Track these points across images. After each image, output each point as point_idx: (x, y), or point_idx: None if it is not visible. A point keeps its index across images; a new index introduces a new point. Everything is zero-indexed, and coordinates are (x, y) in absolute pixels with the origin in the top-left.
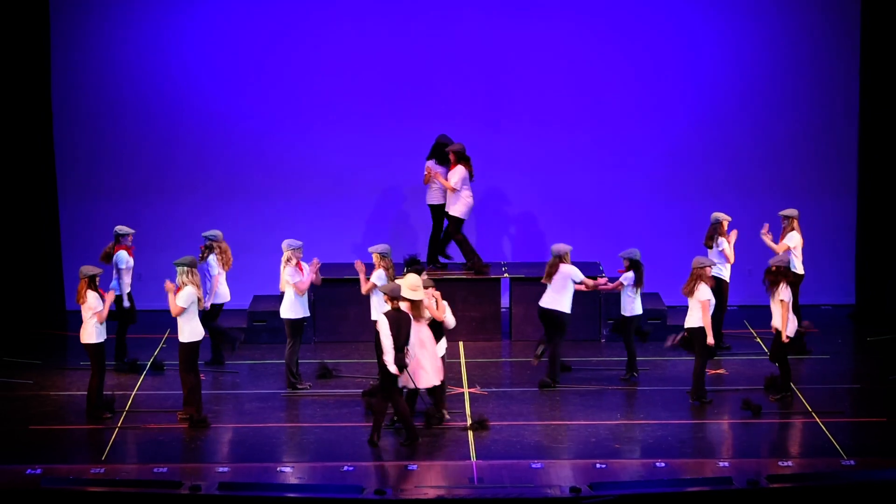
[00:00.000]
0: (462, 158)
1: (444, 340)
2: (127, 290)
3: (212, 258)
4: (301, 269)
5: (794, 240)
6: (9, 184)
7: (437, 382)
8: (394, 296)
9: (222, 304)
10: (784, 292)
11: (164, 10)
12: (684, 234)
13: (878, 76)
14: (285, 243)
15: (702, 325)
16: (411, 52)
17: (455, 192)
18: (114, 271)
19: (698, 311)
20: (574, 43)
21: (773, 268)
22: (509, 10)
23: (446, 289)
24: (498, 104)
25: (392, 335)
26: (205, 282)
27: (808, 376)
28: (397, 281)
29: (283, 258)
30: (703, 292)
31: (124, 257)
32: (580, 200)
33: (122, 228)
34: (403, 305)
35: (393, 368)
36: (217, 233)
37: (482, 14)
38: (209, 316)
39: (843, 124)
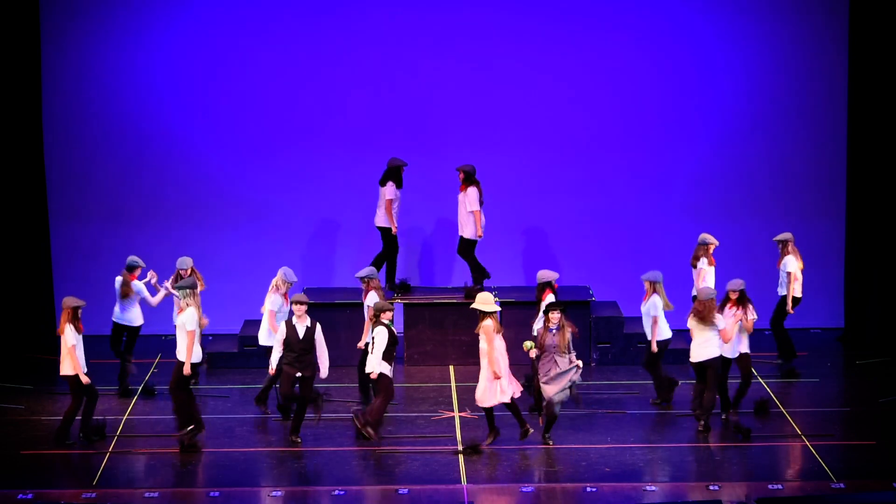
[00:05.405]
0: (471, 179)
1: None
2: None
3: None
4: (286, 300)
5: (792, 266)
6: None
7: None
8: (382, 309)
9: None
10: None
11: (156, 34)
12: (665, 256)
13: (866, 101)
14: (282, 270)
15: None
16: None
17: (471, 214)
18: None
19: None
20: (574, 65)
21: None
22: (511, 31)
23: (437, 313)
24: (492, 126)
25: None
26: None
27: (798, 399)
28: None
29: (273, 283)
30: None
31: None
32: (568, 224)
33: (135, 260)
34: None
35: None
36: (188, 259)
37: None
38: None
39: (831, 148)
